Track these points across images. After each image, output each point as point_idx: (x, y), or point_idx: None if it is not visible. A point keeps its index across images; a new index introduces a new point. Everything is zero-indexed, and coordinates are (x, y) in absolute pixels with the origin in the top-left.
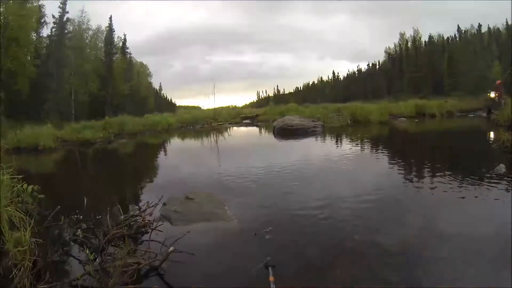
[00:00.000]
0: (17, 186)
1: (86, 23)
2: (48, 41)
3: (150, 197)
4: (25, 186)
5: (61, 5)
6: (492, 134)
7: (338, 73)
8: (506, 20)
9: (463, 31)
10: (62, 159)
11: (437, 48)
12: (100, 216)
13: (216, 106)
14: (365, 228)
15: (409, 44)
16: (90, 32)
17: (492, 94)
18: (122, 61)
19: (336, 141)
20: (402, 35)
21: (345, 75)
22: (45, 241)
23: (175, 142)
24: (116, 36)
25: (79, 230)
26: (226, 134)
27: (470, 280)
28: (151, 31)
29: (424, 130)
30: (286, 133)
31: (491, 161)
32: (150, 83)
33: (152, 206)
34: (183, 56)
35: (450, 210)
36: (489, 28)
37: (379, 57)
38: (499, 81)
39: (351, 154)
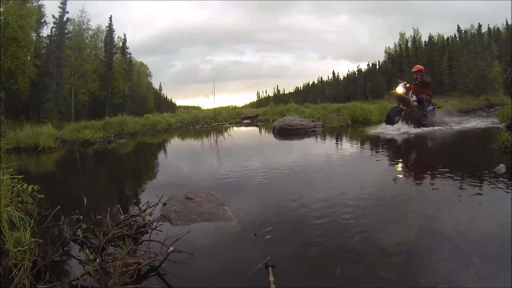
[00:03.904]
0: (17, 186)
1: (86, 23)
2: (48, 41)
3: (150, 197)
4: (25, 186)
5: (61, 5)
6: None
7: (338, 73)
8: (506, 20)
9: (463, 31)
10: (62, 159)
11: (437, 48)
12: (100, 216)
13: (216, 106)
14: (366, 228)
15: (409, 44)
16: (90, 32)
17: (400, 89)
18: (122, 61)
19: (336, 141)
20: (402, 35)
21: (345, 75)
22: (45, 241)
23: (175, 142)
24: (116, 36)
25: (79, 230)
26: (226, 134)
27: (470, 280)
28: (151, 31)
29: (424, 129)
30: (286, 133)
31: (491, 161)
32: (150, 83)
33: (152, 206)
34: (183, 56)
35: (450, 210)
36: (489, 28)
37: (379, 57)
38: (420, 66)
39: (351, 153)
